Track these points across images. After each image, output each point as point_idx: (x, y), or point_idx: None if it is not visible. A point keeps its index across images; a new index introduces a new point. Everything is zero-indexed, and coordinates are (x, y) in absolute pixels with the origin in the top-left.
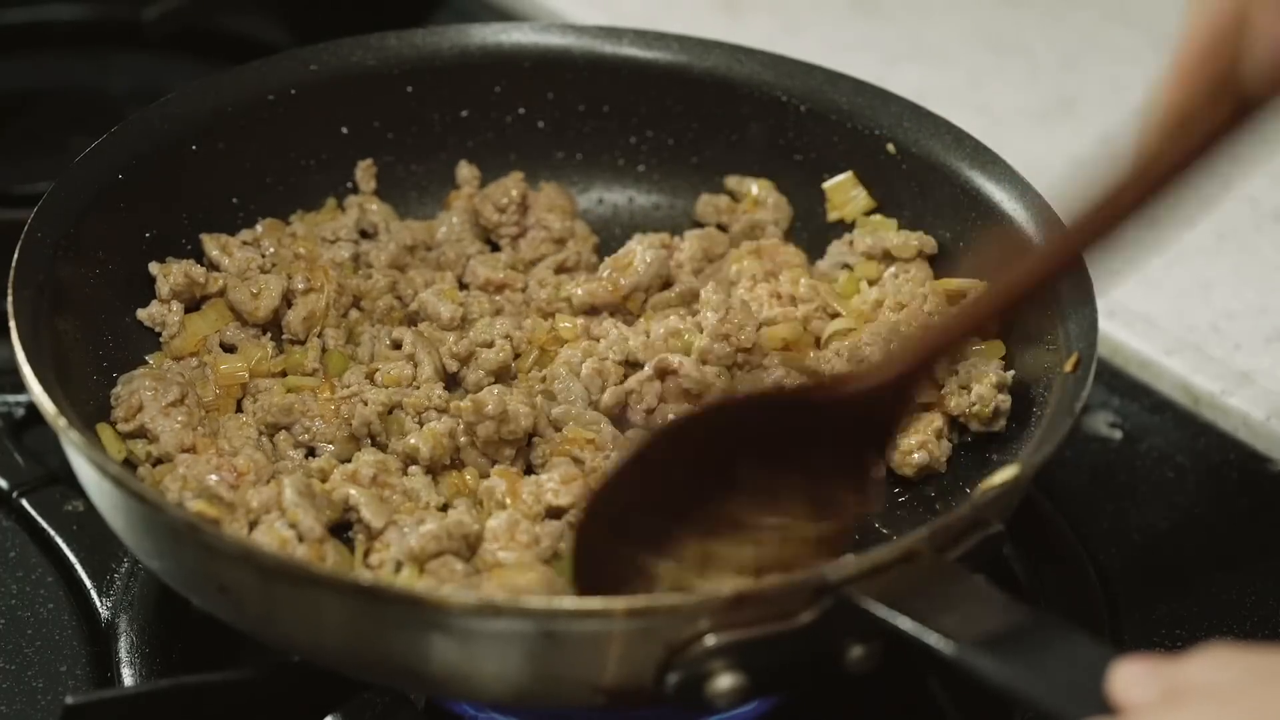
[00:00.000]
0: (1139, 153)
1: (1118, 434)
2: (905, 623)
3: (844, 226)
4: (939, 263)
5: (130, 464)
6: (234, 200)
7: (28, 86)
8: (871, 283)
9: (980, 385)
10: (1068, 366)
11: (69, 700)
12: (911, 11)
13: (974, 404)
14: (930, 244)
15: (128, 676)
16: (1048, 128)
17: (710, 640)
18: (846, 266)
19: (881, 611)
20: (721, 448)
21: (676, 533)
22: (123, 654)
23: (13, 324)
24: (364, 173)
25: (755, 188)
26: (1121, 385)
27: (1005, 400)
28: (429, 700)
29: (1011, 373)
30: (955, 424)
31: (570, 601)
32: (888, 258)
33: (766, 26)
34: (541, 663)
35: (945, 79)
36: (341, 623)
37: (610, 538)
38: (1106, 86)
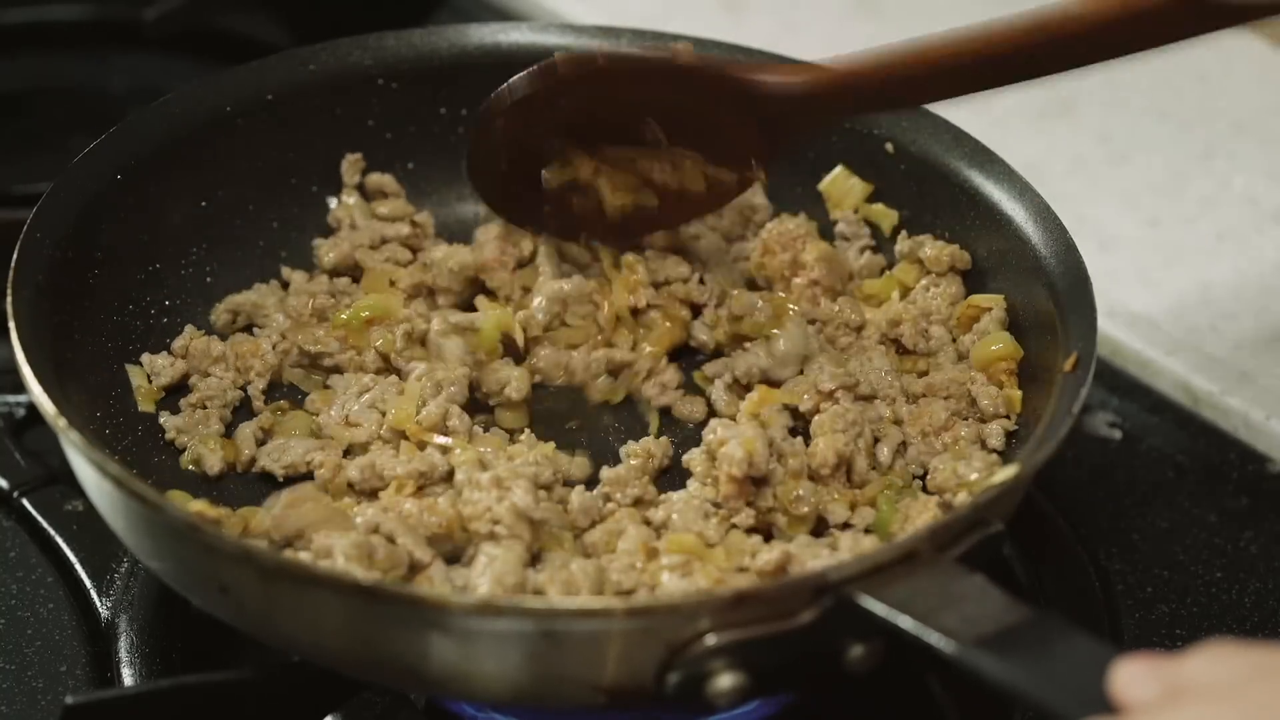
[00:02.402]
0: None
1: (1118, 434)
2: (906, 622)
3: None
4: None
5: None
6: (232, 200)
7: (28, 86)
8: (905, 292)
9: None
10: (1067, 366)
11: (69, 700)
12: (911, 11)
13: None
14: (964, 259)
15: (128, 676)
16: (1048, 128)
17: (711, 640)
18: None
19: (882, 611)
20: (631, 101)
21: (571, 153)
22: (123, 654)
23: (12, 324)
24: (350, 166)
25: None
26: (1121, 385)
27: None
28: (429, 700)
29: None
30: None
31: (570, 601)
32: (923, 267)
33: (766, 26)
34: (541, 663)
35: None
36: (341, 623)
37: (507, 140)
38: (1106, 86)
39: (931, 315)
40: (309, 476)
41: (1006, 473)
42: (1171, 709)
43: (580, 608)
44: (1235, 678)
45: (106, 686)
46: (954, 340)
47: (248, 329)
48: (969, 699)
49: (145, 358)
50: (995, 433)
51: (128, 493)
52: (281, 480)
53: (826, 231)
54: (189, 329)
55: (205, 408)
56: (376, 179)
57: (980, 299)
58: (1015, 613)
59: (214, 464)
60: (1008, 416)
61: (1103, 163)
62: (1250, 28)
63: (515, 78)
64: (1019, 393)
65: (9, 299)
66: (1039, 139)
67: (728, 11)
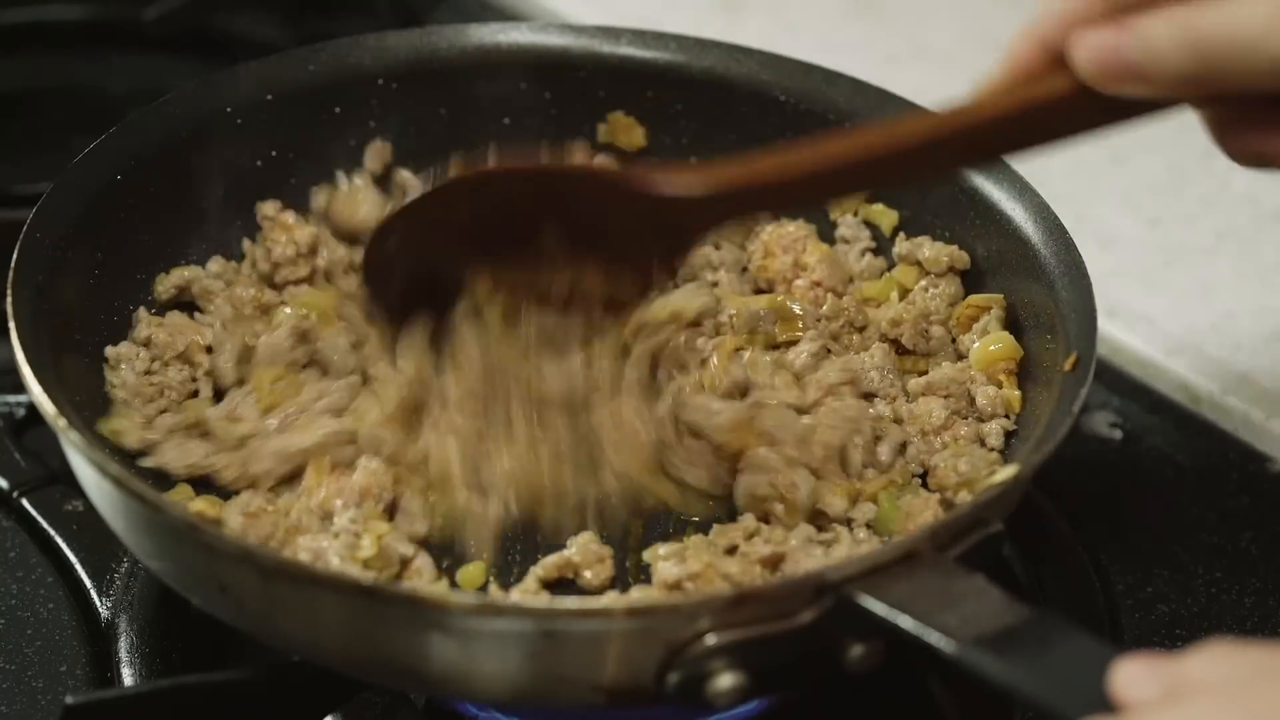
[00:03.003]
0: (970, 97)
1: (1118, 434)
2: (906, 621)
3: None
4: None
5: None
6: (231, 200)
7: (28, 86)
8: (904, 293)
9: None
10: (1067, 366)
11: (69, 700)
12: (911, 11)
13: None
14: (963, 259)
15: (128, 676)
16: None
17: (711, 640)
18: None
19: (882, 610)
20: (528, 209)
21: (471, 264)
22: (123, 654)
23: (12, 324)
24: (375, 153)
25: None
26: (1121, 385)
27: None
28: (429, 700)
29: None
30: None
31: (570, 601)
32: (921, 268)
33: (766, 26)
34: (541, 662)
35: (945, 79)
36: (341, 622)
37: (402, 255)
38: None
39: (931, 316)
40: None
41: (1006, 472)
42: (1172, 708)
43: (580, 608)
44: (1236, 677)
45: (106, 686)
46: (954, 340)
47: (191, 309)
48: (969, 699)
49: (109, 349)
50: (994, 432)
51: (128, 493)
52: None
53: (826, 234)
54: (143, 313)
55: (162, 395)
56: (404, 176)
57: (979, 298)
58: (1015, 612)
59: (135, 441)
60: (1007, 416)
61: (1103, 163)
62: None
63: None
64: (1018, 393)
65: (9, 299)
66: None
67: (726, 11)
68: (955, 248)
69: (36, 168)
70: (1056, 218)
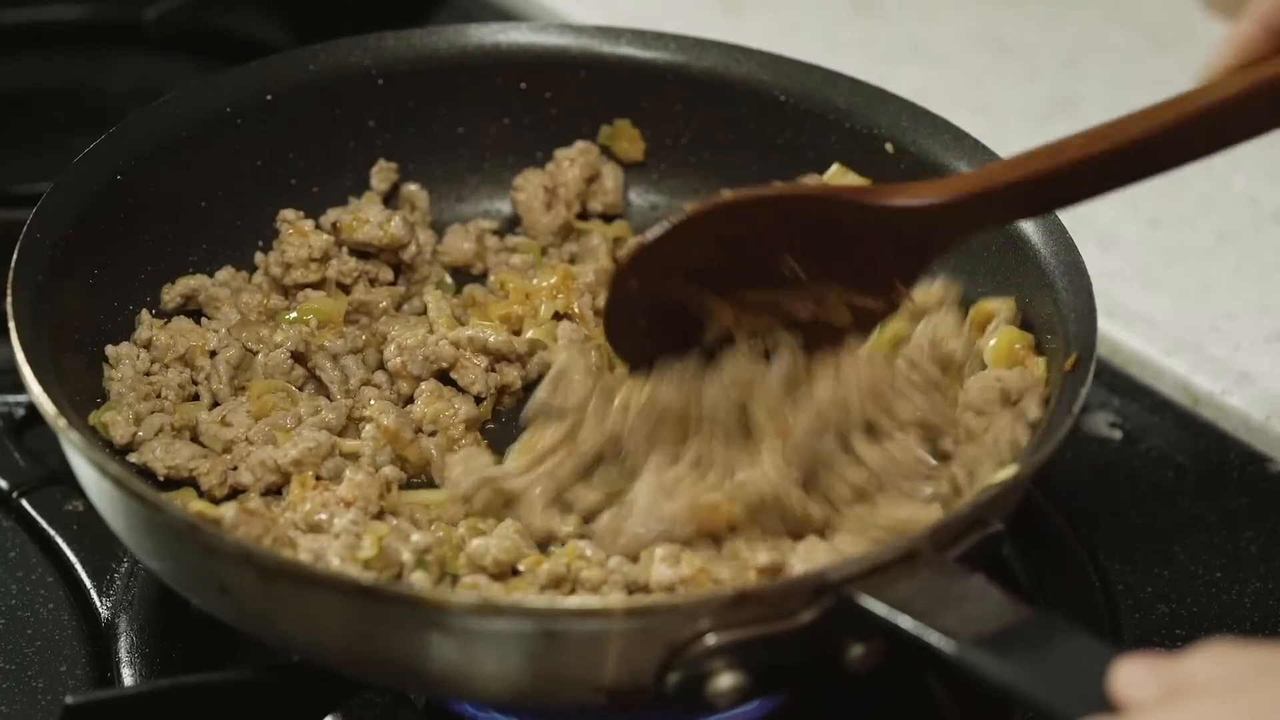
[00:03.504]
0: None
1: (1118, 434)
2: (906, 621)
3: None
4: (942, 263)
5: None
6: (232, 200)
7: (28, 86)
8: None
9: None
10: (1067, 366)
11: (69, 700)
12: (911, 11)
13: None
14: (954, 292)
15: (128, 676)
16: (1048, 128)
17: (711, 640)
18: None
19: (882, 610)
20: (765, 238)
21: (710, 302)
22: (123, 654)
23: (12, 324)
24: (380, 175)
25: None
26: (1121, 385)
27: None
28: (429, 700)
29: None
30: None
31: (570, 601)
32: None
33: (766, 26)
34: (542, 662)
35: (945, 79)
36: (341, 623)
37: (644, 297)
38: (1106, 86)
39: (942, 339)
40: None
41: (1006, 472)
42: (1172, 709)
43: (580, 608)
44: (1236, 677)
45: (106, 686)
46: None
47: (197, 315)
48: (969, 699)
49: (109, 348)
50: (1031, 405)
51: (128, 493)
52: (162, 481)
53: None
54: (145, 316)
55: (158, 395)
56: (410, 190)
57: (990, 303)
58: (1015, 612)
59: (122, 435)
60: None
61: None
62: None
63: (647, 232)
64: (1042, 358)
65: (9, 299)
66: (1039, 139)
67: (726, 13)
68: (940, 282)
69: (36, 168)
70: (1057, 218)
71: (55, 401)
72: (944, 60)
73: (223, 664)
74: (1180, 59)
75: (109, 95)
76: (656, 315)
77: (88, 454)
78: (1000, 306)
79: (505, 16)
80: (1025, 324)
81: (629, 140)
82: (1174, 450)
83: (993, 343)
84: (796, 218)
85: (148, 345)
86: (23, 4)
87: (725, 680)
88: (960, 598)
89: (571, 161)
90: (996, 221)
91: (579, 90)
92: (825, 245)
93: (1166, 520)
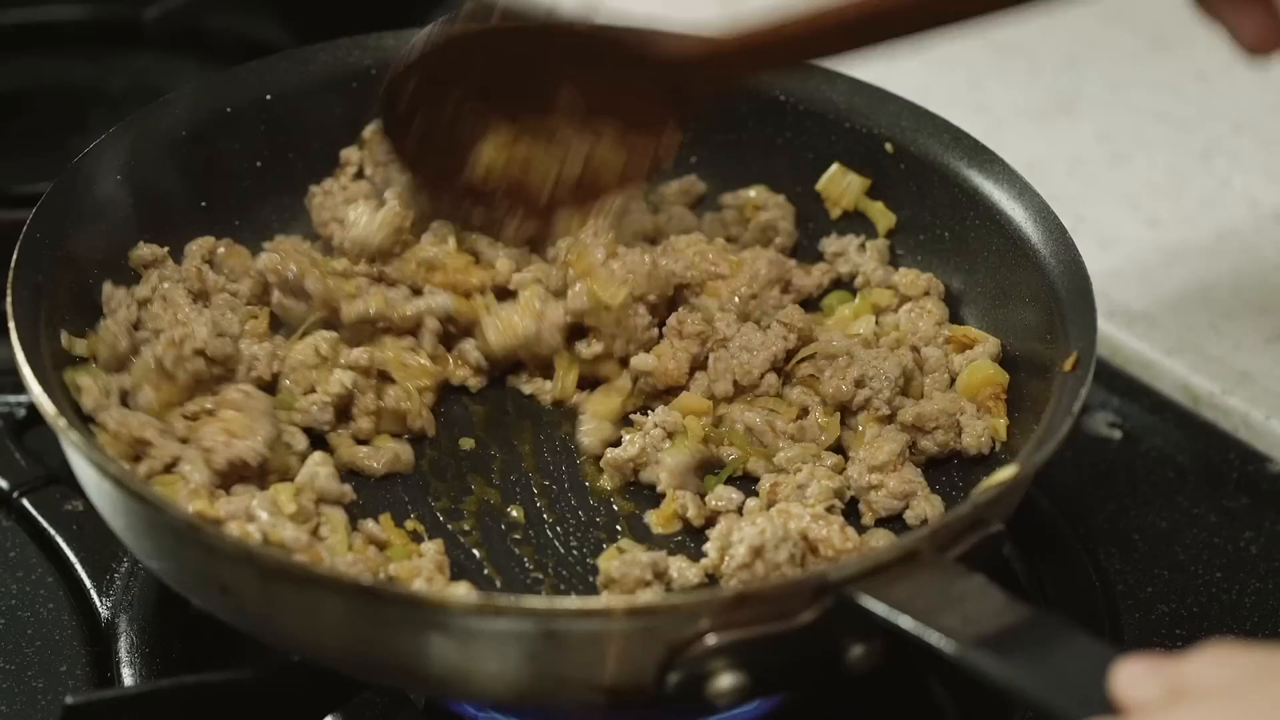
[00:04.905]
0: None
1: (1118, 434)
2: (906, 621)
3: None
4: (941, 262)
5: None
6: (232, 201)
7: (28, 86)
8: (880, 312)
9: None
10: (1067, 366)
11: (69, 700)
12: None
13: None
14: (938, 287)
15: (128, 676)
16: (1048, 128)
17: (711, 640)
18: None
19: (882, 611)
20: (542, 66)
21: (489, 115)
22: (123, 654)
23: (12, 325)
24: (372, 136)
25: (752, 192)
26: (1121, 385)
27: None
28: (429, 700)
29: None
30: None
31: (571, 602)
32: (896, 291)
33: None
34: (541, 662)
35: (945, 79)
36: (341, 622)
37: (423, 104)
38: (1106, 86)
39: (920, 335)
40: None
41: (1006, 473)
42: (1173, 709)
43: (580, 608)
44: (1237, 678)
45: (106, 686)
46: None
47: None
48: (969, 699)
49: (106, 286)
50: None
51: (128, 493)
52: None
53: (829, 230)
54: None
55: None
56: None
57: (974, 332)
58: (1015, 612)
59: (89, 401)
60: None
61: (1103, 163)
62: None
63: (417, 36)
64: (1005, 421)
65: (8, 299)
66: (1039, 139)
67: (726, 9)
68: (931, 275)
69: (36, 168)
70: (1057, 218)
71: (55, 402)
72: (944, 60)
73: (223, 664)
74: (1180, 59)
75: (109, 95)
76: (430, 126)
77: (88, 454)
78: (985, 340)
79: (504, 18)
80: (1021, 326)
81: None
82: (1174, 450)
83: (965, 373)
84: (571, 51)
85: (143, 303)
86: (23, 4)
87: (725, 680)
88: (961, 597)
89: None
90: (754, 71)
91: None
92: (599, 80)
93: (1166, 520)
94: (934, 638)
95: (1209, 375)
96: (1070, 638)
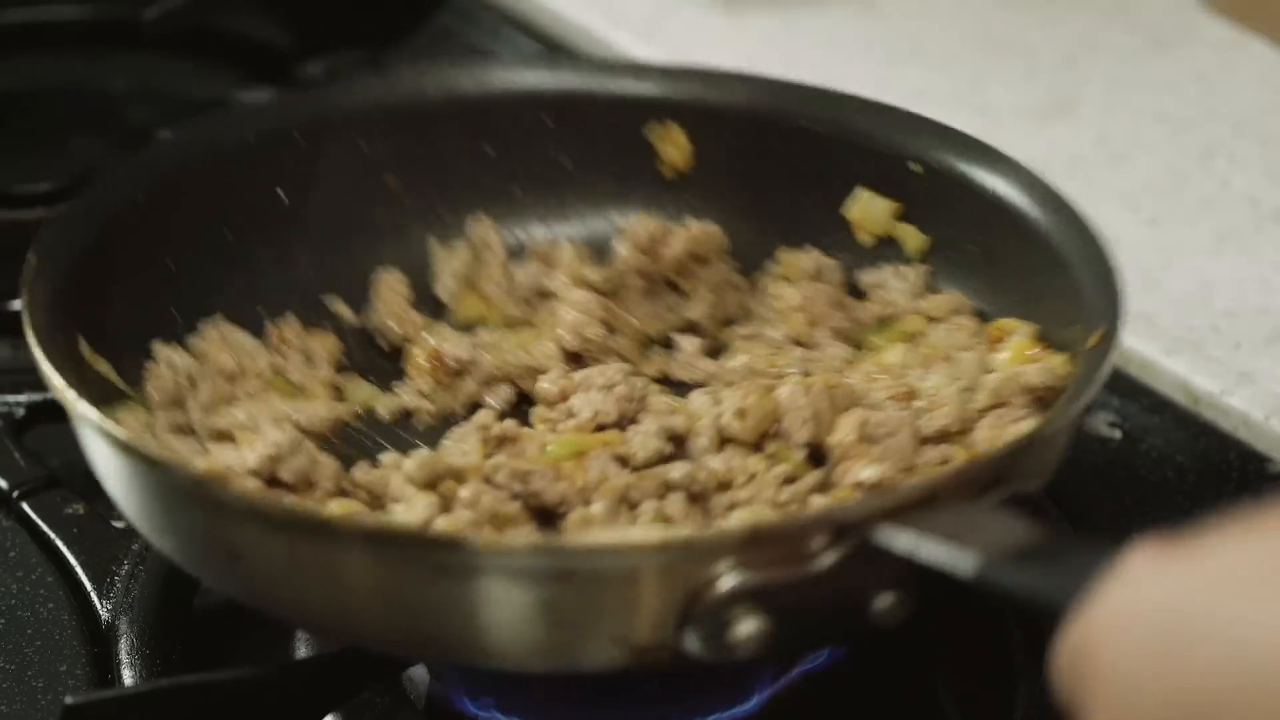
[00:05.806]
0: None
1: (1118, 434)
2: (927, 549)
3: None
4: (970, 276)
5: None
6: (255, 233)
7: (28, 86)
8: (911, 339)
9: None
10: (1092, 341)
11: (69, 700)
12: (911, 11)
13: None
14: (967, 305)
15: (128, 677)
16: (1048, 128)
17: (729, 581)
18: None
19: (904, 543)
20: None
21: None
22: (123, 655)
23: (29, 330)
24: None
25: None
26: (1121, 385)
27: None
28: (429, 700)
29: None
30: None
31: (590, 539)
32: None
33: (766, 26)
34: (561, 611)
35: (945, 79)
36: (362, 577)
37: None
38: (1106, 86)
39: (956, 346)
40: None
41: (1032, 424)
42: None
43: (603, 545)
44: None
45: (106, 686)
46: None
47: None
48: (969, 699)
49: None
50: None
51: (134, 456)
52: None
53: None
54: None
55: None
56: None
57: (1008, 322)
58: (1039, 533)
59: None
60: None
61: (1103, 163)
62: (1250, 28)
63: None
64: (1060, 356)
65: (24, 312)
66: (1039, 139)
67: (726, 10)
68: (960, 295)
69: (36, 168)
70: (1080, 215)
71: (64, 375)
72: (944, 60)
73: (223, 664)
74: (1180, 59)
75: (109, 95)
76: None
77: (96, 423)
78: (1020, 325)
79: (505, 18)
80: (1052, 336)
81: (676, 145)
82: (1174, 450)
83: (1005, 355)
84: None
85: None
86: (23, 4)
87: (748, 625)
88: (982, 525)
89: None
90: None
91: (603, 129)
92: None
93: (1166, 520)
94: (954, 559)
95: (1209, 375)
96: (1093, 545)
